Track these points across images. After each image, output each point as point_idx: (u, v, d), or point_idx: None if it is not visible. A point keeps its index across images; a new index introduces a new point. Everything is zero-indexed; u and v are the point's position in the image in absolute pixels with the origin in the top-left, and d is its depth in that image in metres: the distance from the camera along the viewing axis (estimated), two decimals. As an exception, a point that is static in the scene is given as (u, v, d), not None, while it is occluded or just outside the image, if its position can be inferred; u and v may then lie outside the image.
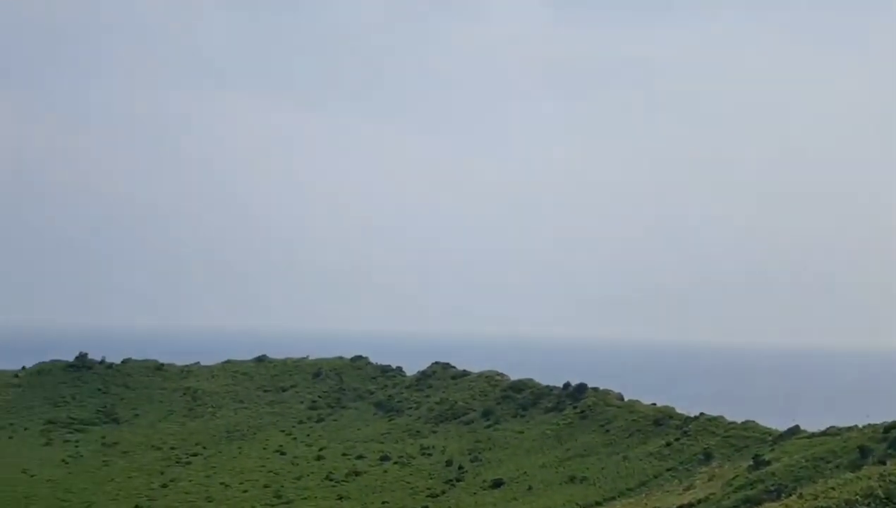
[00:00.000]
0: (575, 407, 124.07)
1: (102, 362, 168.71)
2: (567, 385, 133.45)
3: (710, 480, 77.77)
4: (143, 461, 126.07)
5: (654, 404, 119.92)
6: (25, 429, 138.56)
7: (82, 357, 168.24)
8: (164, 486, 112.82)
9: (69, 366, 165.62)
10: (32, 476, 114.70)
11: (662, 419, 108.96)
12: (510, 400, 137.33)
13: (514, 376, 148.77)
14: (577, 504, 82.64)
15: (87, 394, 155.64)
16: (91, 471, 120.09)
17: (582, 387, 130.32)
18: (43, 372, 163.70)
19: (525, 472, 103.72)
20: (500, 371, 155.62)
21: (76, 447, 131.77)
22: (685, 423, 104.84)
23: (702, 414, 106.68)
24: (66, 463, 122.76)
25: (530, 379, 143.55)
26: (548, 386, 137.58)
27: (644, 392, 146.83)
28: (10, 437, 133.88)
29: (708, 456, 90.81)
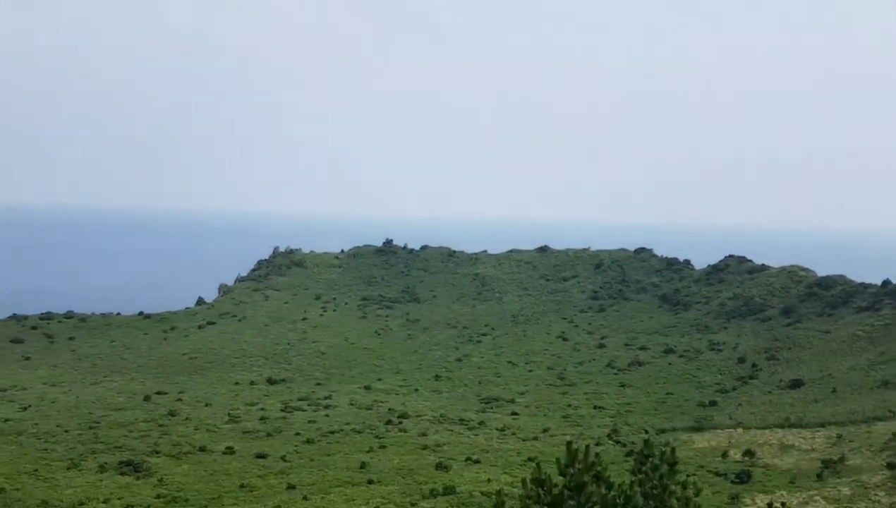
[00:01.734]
0: (895, 307, 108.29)
1: (405, 248, 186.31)
2: (886, 282, 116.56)
3: None
4: (441, 337, 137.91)
5: None
6: (346, 304, 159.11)
7: (388, 243, 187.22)
8: (459, 360, 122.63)
9: (378, 251, 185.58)
10: (352, 343, 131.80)
11: None
12: (816, 298, 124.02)
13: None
14: (889, 411, 72.79)
15: (393, 276, 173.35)
16: (398, 343, 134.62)
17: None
18: (358, 254, 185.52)
19: (830, 374, 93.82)
20: (805, 266, 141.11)
21: (386, 321, 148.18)
22: None
23: None
24: (379, 335, 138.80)
25: (842, 276, 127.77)
26: (862, 284, 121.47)
27: None
28: (334, 310, 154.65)
29: None
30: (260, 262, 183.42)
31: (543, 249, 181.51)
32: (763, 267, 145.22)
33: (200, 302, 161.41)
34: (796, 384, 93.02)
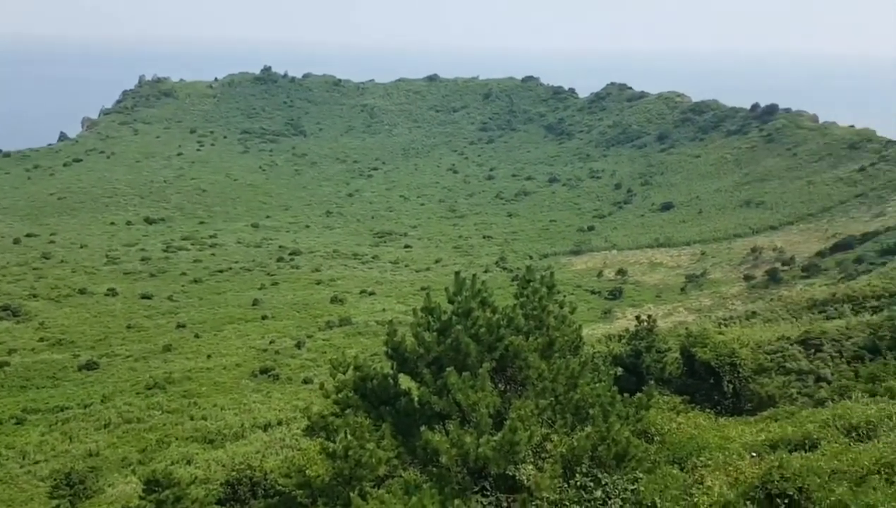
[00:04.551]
0: (761, 130, 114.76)
1: (285, 76, 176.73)
2: (755, 106, 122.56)
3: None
4: (330, 172, 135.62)
5: (853, 126, 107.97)
6: (224, 137, 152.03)
7: (267, 70, 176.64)
8: (350, 195, 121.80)
9: (256, 79, 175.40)
10: (235, 180, 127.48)
11: (859, 143, 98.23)
12: (689, 123, 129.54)
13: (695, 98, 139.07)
14: (749, 228, 79.22)
15: (275, 107, 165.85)
16: (285, 178, 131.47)
17: (772, 109, 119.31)
18: (234, 83, 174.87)
19: (697, 196, 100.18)
20: (681, 92, 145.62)
21: (270, 155, 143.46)
22: (885, 147, 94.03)
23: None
24: (263, 171, 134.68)
25: (714, 101, 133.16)
26: (733, 108, 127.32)
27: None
28: (213, 144, 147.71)
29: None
30: (125, 93, 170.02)
31: (433, 78, 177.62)
32: (642, 95, 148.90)
33: (63, 137, 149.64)
34: (667, 206, 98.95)
